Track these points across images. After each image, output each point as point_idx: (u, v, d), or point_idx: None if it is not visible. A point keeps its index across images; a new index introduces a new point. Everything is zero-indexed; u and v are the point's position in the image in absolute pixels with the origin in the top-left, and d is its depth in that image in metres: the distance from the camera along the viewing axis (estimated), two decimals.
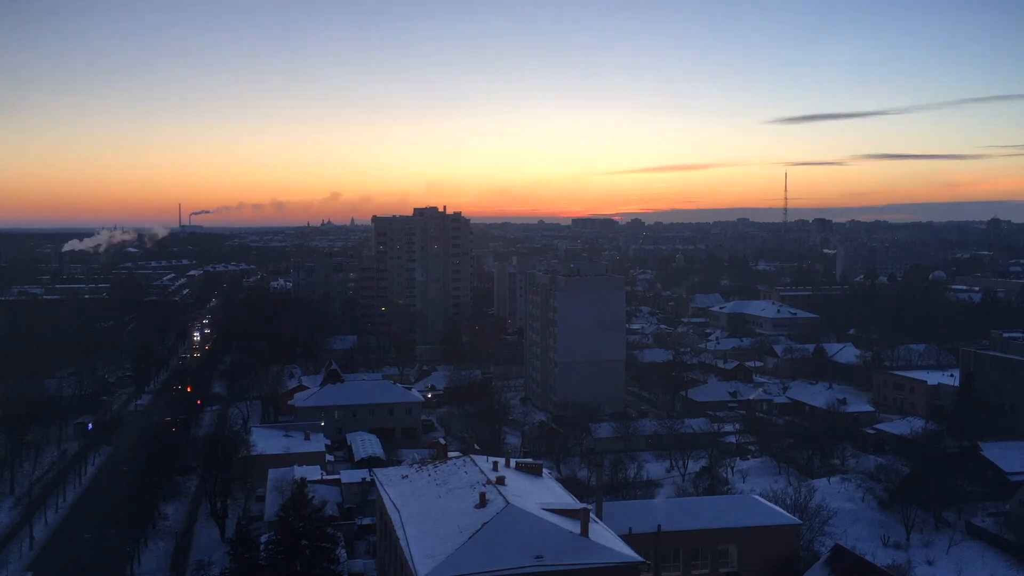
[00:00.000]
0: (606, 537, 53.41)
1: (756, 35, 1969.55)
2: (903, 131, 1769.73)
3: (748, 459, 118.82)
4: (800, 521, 73.19)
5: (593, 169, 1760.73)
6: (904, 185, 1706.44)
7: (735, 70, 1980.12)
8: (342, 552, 68.99)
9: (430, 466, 67.68)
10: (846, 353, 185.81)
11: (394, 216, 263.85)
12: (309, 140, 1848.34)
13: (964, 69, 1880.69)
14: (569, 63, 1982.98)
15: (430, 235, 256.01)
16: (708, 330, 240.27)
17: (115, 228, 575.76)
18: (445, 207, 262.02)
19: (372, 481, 72.96)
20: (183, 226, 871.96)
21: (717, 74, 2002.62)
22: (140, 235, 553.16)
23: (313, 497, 66.45)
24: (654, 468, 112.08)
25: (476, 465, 63.86)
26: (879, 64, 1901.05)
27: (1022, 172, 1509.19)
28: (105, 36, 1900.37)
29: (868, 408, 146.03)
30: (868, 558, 66.40)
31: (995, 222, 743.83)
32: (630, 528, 62.22)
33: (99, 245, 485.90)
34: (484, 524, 51.33)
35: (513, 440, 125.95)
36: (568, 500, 60.54)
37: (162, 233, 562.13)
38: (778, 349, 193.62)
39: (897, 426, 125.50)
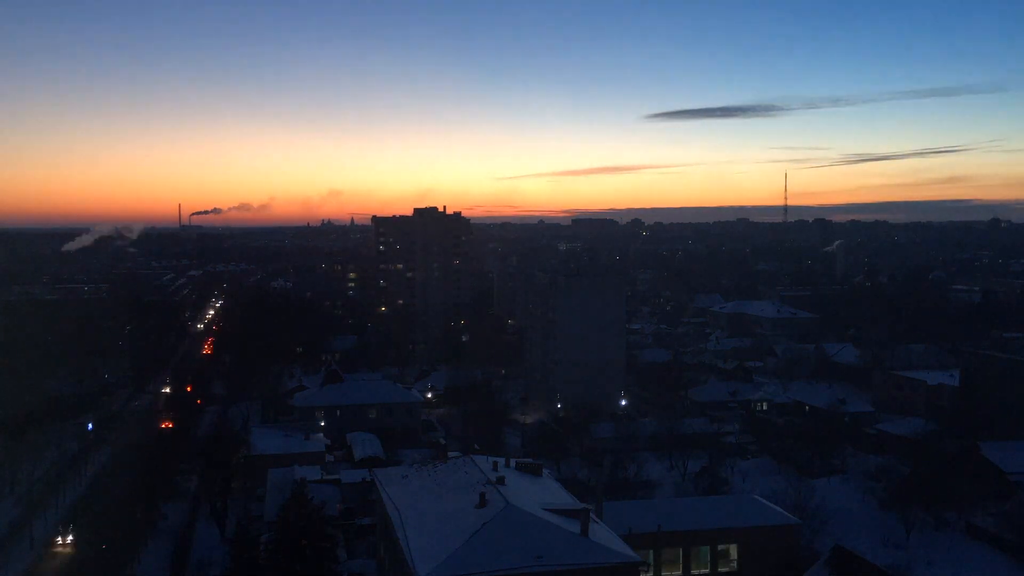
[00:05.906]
0: (606, 537, 53.45)
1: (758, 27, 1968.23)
2: (899, 124, 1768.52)
3: (748, 459, 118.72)
4: (800, 521, 73.18)
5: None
6: (901, 183, 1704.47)
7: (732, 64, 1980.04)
8: (342, 552, 68.98)
9: (430, 466, 67.69)
10: (846, 353, 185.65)
11: (394, 216, 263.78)
12: (309, 140, 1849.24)
13: (964, 60, 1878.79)
14: (568, 62, 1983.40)
15: (430, 235, 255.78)
16: (708, 330, 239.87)
17: (115, 228, 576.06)
18: (445, 207, 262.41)
19: (372, 481, 72.95)
20: (183, 226, 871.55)
21: (716, 70, 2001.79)
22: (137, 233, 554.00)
23: (313, 497, 66.43)
24: (654, 468, 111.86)
25: (476, 465, 63.87)
26: (875, 54, 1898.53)
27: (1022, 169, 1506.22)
28: (105, 36, 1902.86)
29: (868, 408, 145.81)
30: (868, 558, 66.34)
31: (995, 222, 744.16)
32: (630, 528, 62.23)
33: (98, 238, 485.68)
34: (484, 524, 51.38)
35: (513, 440, 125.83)
36: (568, 500, 60.55)
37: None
38: (778, 349, 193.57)
39: (897, 426, 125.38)
